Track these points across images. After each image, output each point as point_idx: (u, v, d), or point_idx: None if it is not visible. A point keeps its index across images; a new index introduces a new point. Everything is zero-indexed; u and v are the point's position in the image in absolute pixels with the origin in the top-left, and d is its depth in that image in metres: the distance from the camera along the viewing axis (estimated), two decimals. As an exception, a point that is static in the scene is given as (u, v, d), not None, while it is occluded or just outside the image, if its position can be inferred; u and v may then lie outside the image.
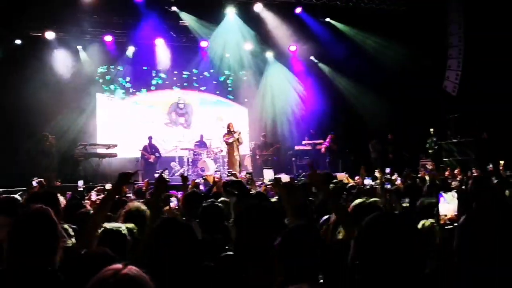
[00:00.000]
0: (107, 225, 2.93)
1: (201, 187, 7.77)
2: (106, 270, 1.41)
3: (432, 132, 13.08)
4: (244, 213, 2.75)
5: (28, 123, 12.02)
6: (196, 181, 8.07)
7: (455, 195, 2.29)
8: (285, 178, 4.66)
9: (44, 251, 2.20)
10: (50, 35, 12.77)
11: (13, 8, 11.19)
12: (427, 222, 2.95)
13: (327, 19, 14.17)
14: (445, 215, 2.28)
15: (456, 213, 2.27)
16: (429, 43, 13.29)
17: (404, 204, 4.21)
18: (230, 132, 12.28)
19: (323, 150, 13.75)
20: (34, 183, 8.14)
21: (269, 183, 4.40)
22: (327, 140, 13.80)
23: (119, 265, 1.43)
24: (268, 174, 4.51)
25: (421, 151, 13.42)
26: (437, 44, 13.55)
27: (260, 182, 7.02)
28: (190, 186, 7.68)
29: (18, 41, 12.61)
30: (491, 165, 7.66)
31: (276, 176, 5.16)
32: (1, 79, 11.64)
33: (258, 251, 2.52)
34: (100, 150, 12.92)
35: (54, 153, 11.88)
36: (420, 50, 13.08)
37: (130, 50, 14.15)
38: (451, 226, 2.27)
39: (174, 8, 12.90)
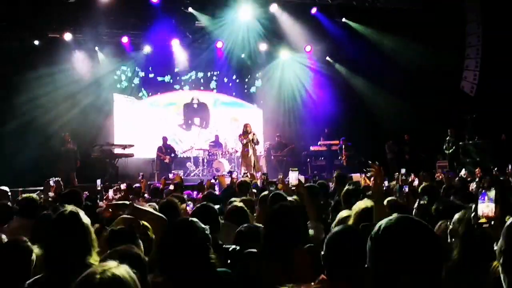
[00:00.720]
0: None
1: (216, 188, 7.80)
2: (97, 266, 1.41)
3: (449, 133, 12.90)
4: (271, 214, 2.77)
5: (45, 123, 12.19)
6: (212, 181, 8.13)
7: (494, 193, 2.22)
8: (300, 178, 4.63)
9: (79, 252, 2.21)
10: (68, 36, 12.92)
11: (32, 10, 11.36)
12: (443, 223, 2.91)
13: (343, 19, 14.11)
14: (482, 215, 2.22)
15: (494, 213, 2.20)
16: (446, 42, 13.13)
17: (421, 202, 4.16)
18: (245, 132, 12.26)
19: (344, 163, 13.67)
20: (51, 183, 8.26)
21: (294, 184, 4.37)
22: (342, 147, 13.74)
23: (112, 263, 1.44)
24: (294, 176, 4.47)
25: (438, 152, 13.26)
26: (455, 44, 13.38)
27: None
28: (205, 186, 7.76)
29: (36, 42, 12.78)
30: (510, 167, 7.53)
31: (292, 174, 5.14)
32: (19, 79, 11.80)
33: (281, 251, 2.54)
34: (117, 150, 13.03)
35: (73, 153, 12.05)
36: (437, 49, 12.93)
37: (146, 51, 14.25)
38: (487, 225, 2.22)
39: (190, 10, 12.95)
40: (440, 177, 8.37)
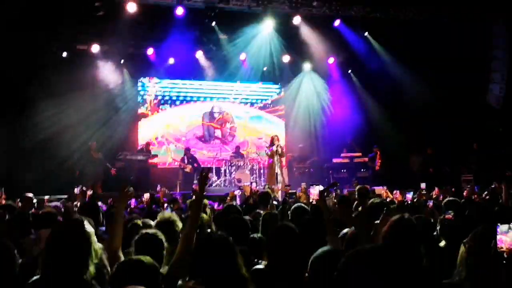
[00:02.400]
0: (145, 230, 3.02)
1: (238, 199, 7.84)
2: None
3: (475, 147, 12.67)
4: (276, 233, 2.82)
5: (71, 133, 12.44)
6: (235, 192, 8.16)
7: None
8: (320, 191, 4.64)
9: (76, 261, 2.27)
10: (95, 48, 13.21)
11: (62, 22, 11.66)
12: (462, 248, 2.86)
13: (366, 34, 14.06)
14: (502, 247, 2.18)
15: None
16: (472, 55, 12.95)
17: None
18: (271, 144, 12.23)
19: (377, 167, 13.56)
20: (76, 191, 8.46)
21: (316, 199, 4.40)
22: (376, 153, 13.62)
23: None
24: (315, 191, 4.50)
25: (463, 166, 13.03)
26: (480, 56, 13.17)
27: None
28: (228, 197, 7.80)
29: (64, 54, 13.09)
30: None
31: (312, 188, 5.15)
32: (47, 90, 12.08)
33: (290, 269, 2.57)
34: (140, 160, 13.21)
35: (99, 162, 12.26)
36: (463, 62, 12.76)
37: (170, 62, 14.47)
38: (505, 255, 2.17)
39: (213, 24, 13.10)
40: (466, 192, 8.22)
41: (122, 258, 2.75)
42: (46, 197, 8.74)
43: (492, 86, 13.40)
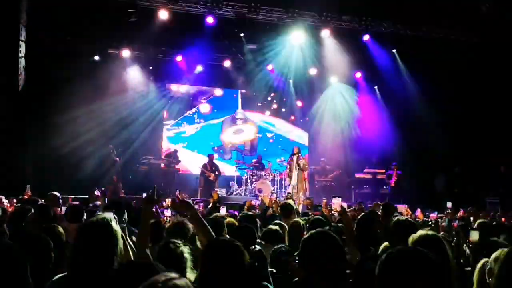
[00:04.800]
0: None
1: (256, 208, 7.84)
2: (160, 275, 1.45)
3: (502, 170, 12.38)
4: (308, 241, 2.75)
5: (97, 136, 12.64)
6: (252, 202, 8.18)
7: None
8: (343, 205, 4.62)
9: (103, 258, 2.30)
10: (126, 53, 13.48)
11: (95, 26, 11.97)
12: (486, 261, 2.79)
13: (393, 50, 13.96)
14: None
15: None
16: (499, 75, 12.71)
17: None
18: (292, 154, 12.21)
19: (392, 183, 13.37)
20: (96, 193, 8.60)
21: (337, 210, 4.37)
22: (394, 171, 13.42)
23: (174, 274, 1.47)
24: (337, 203, 4.48)
25: (490, 188, 12.75)
26: (508, 76, 12.90)
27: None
28: (246, 207, 7.82)
29: (96, 58, 13.39)
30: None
31: (335, 201, 5.12)
32: (78, 92, 12.34)
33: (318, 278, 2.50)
34: (164, 165, 13.37)
35: (120, 165, 12.45)
36: (494, 83, 12.54)
37: (198, 70, 14.65)
38: None
39: (242, 35, 13.23)
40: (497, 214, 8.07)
41: (151, 258, 2.76)
42: (71, 196, 8.93)
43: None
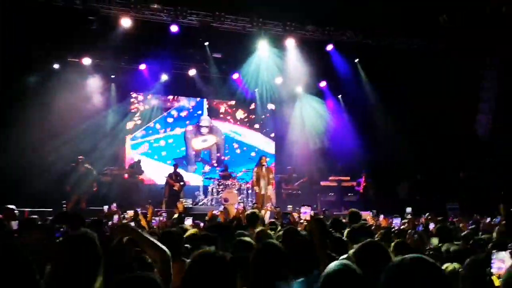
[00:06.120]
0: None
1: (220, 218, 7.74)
2: None
3: (461, 176, 12.77)
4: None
5: (60, 146, 12.24)
6: (214, 212, 8.06)
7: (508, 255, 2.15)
8: (311, 214, 4.63)
9: (86, 276, 2.18)
10: (86, 61, 13.17)
11: (54, 34, 11.64)
12: (450, 266, 2.84)
13: (356, 60, 14.21)
14: (497, 273, 2.15)
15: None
16: (461, 84, 13.16)
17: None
18: (260, 165, 12.17)
19: (361, 190, 13.53)
20: (113, 207, 8.22)
21: (306, 219, 4.34)
22: (362, 179, 13.59)
23: None
24: (306, 212, 4.46)
25: (450, 195, 13.11)
26: (470, 86, 13.37)
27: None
28: (207, 217, 7.73)
29: (56, 66, 13.01)
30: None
31: (302, 209, 5.12)
32: (36, 102, 11.95)
33: None
34: (127, 176, 13.08)
35: (86, 176, 11.96)
36: (452, 91, 12.95)
37: (163, 79, 14.49)
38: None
39: (206, 44, 13.17)
40: (455, 220, 8.26)
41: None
42: (27, 209, 8.57)
43: (480, 117, 13.57)
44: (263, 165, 11.99)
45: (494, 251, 2.19)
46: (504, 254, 2.14)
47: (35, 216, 6.65)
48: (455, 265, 2.82)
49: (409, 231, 4.64)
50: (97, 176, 12.17)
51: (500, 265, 2.14)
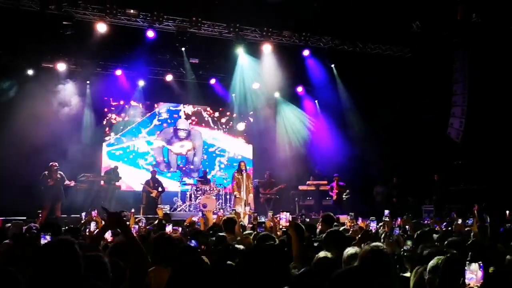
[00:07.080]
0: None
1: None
2: None
3: (436, 179, 13.03)
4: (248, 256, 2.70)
5: (32, 152, 11.94)
6: (193, 218, 8.04)
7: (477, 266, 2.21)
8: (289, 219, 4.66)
9: (66, 280, 2.17)
10: (61, 66, 12.96)
11: (27, 39, 11.44)
12: (420, 268, 2.89)
13: (332, 65, 14.39)
14: (470, 284, 2.20)
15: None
16: (434, 89, 13.48)
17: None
18: (239, 170, 12.19)
19: (334, 195, 13.62)
20: (94, 214, 8.04)
21: (285, 225, 4.35)
22: (334, 183, 13.69)
23: None
24: (285, 217, 4.48)
25: (425, 197, 13.36)
26: (442, 90, 13.69)
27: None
28: (186, 222, 7.71)
29: (30, 72, 12.76)
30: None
31: (281, 215, 5.15)
32: (11, 109, 11.70)
33: None
34: (103, 182, 12.91)
35: (60, 184, 11.68)
36: (425, 96, 13.25)
37: (140, 84, 14.38)
38: None
39: (183, 49, 13.13)
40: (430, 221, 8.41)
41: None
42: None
43: (452, 120, 13.86)
44: (242, 170, 12.03)
45: (467, 262, 2.24)
46: (476, 266, 2.21)
47: (9, 225, 6.54)
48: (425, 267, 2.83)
49: (387, 234, 4.71)
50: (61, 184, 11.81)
51: (472, 276, 2.20)
